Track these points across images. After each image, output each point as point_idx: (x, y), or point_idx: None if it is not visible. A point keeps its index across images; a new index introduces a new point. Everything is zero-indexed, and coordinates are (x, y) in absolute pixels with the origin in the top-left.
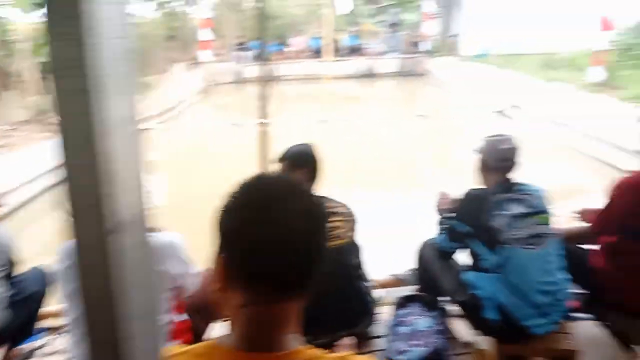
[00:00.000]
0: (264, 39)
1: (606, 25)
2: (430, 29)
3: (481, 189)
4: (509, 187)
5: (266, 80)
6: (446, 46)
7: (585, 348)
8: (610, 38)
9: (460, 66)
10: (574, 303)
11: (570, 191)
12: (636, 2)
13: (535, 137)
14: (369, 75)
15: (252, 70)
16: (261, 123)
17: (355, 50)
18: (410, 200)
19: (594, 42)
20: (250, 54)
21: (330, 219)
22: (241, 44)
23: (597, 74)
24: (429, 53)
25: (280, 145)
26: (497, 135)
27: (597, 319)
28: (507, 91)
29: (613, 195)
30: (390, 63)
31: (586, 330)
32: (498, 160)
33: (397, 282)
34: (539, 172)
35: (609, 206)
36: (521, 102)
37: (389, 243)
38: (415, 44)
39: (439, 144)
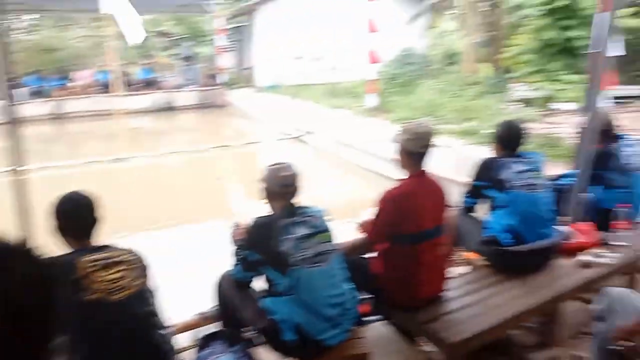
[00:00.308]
0: (42, 74)
1: (373, 58)
2: (226, 61)
3: (268, 216)
4: (293, 211)
5: (22, 121)
6: (243, 78)
7: (376, 348)
8: (378, 69)
9: (257, 97)
10: (363, 308)
11: (357, 205)
12: (394, 39)
13: (328, 158)
14: (168, 108)
15: (28, 108)
16: (15, 171)
17: (150, 84)
18: (215, 232)
19: (367, 73)
20: (25, 90)
21: (112, 270)
22: (12, 79)
23: (372, 100)
24: (227, 85)
25: (56, 195)
26: (277, 164)
27: (385, 319)
28: (300, 119)
29: (379, 206)
30: (189, 96)
31: (377, 331)
32: (280, 186)
33: (204, 320)
34: (333, 190)
35: (377, 216)
36: (314, 128)
37: (194, 280)
38: (213, 77)
39: (242, 173)
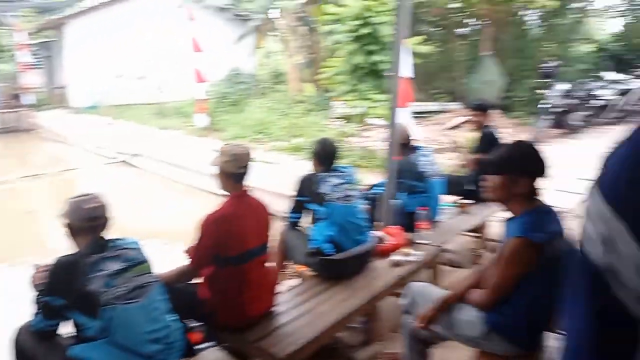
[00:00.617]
0: None
1: (199, 78)
2: (32, 80)
3: (71, 254)
4: (103, 245)
5: None
6: (54, 98)
7: None
8: (207, 88)
9: (73, 118)
10: (194, 337)
11: (192, 227)
12: (223, 59)
13: (159, 181)
14: None
15: None
16: None
17: None
18: (15, 277)
19: (195, 92)
20: None
21: None
22: None
23: (202, 119)
24: (35, 106)
25: None
26: (81, 195)
27: (217, 344)
28: (126, 141)
29: (201, 230)
30: None
31: (209, 358)
32: (86, 220)
33: None
34: (166, 213)
35: (199, 241)
36: (141, 150)
37: None
38: (16, 97)
39: (59, 205)
